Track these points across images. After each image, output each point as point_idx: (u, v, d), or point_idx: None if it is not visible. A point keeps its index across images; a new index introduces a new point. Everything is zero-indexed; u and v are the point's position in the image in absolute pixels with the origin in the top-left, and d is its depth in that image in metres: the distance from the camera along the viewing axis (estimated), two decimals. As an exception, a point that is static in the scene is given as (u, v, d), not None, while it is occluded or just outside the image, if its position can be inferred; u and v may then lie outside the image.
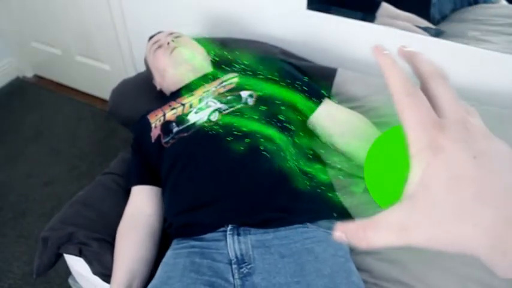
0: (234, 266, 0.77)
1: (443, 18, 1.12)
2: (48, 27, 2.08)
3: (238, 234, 0.81)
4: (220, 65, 1.15)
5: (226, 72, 1.10)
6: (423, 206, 0.24)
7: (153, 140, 1.01)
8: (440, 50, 1.16)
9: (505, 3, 1.03)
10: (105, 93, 2.15)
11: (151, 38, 1.23)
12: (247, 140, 0.88)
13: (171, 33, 1.18)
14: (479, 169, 0.23)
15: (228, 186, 0.86)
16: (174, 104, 1.05)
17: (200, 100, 1.01)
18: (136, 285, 0.86)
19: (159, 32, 1.23)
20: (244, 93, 0.99)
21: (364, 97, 1.13)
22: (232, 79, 1.05)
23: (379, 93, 1.12)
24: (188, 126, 0.96)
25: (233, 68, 1.10)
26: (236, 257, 0.78)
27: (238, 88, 1.01)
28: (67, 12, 1.94)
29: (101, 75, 2.11)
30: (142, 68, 1.78)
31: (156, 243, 0.94)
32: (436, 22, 1.13)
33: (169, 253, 0.86)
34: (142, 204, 0.97)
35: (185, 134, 0.95)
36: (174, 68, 1.10)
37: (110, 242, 0.95)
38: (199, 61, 1.13)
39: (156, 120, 1.04)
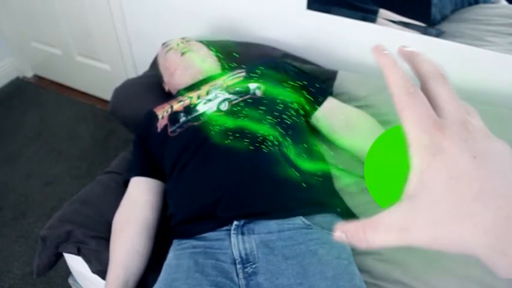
0: (238, 266, 0.77)
1: (444, 18, 1.12)
2: (48, 27, 2.08)
3: (242, 234, 0.81)
4: (227, 67, 1.18)
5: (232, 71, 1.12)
6: (423, 206, 0.24)
7: (159, 130, 1.02)
8: (440, 50, 1.16)
9: (505, 3, 1.03)
10: (105, 93, 2.16)
11: (163, 44, 1.28)
12: (252, 135, 0.89)
13: (182, 38, 1.25)
14: (479, 169, 0.23)
15: (233, 177, 0.87)
16: (181, 98, 1.07)
17: (208, 92, 1.03)
18: (132, 279, 0.87)
19: (170, 40, 1.28)
20: (252, 85, 1.01)
21: (364, 97, 1.13)
22: (240, 74, 1.07)
23: (379, 94, 1.12)
24: (197, 116, 0.97)
25: (239, 68, 1.12)
26: (241, 257, 0.78)
27: (246, 81, 1.03)
28: (67, 12, 1.94)
29: (101, 75, 2.11)
30: (142, 68, 1.78)
31: (152, 236, 0.95)
32: (436, 22, 1.13)
33: (171, 255, 0.86)
34: (139, 196, 0.98)
35: (194, 123, 0.96)
36: (184, 70, 1.14)
37: (108, 240, 0.95)
38: (208, 65, 1.16)
39: (163, 112, 1.06)
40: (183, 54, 1.15)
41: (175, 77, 1.15)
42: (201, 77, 1.13)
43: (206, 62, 1.16)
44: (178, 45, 1.18)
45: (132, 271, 0.87)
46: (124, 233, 0.91)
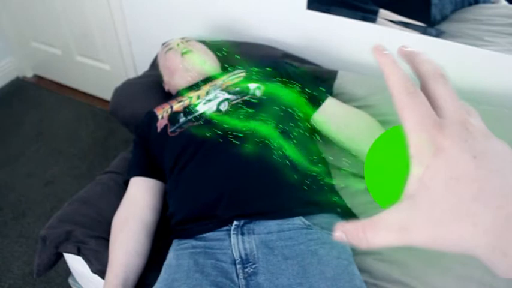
0: (238, 266, 0.77)
1: (444, 18, 1.12)
2: (48, 27, 2.08)
3: (242, 234, 0.81)
4: (227, 67, 1.18)
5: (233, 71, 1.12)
6: (423, 205, 0.24)
7: (159, 130, 1.02)
8: (440, 50, 1.16)
9: (505, 3, 1.03)
10: (105, 93, 2.16)
11: (164, 43, 1.27)
12: (252, 135, 0.89)
13: (182, 38, 1.25)
14: (479, 169, 0.23)
15: (233, 177, 0.87)
16: (181, 98, 1.07)
17: (208, 92, 1.03)
18: (131, 278, 0.87)
19: (171, 39, 1.27)
20: (252, 85, 1.01)
21: (364, 97, 1.14)
22: (239, 74, 1.08)
23: (379, 94, 1.12)
24: (197, 116, 0.98)
25: (239, 68, 1.12)
26: (241, 257, 0.78)
27: (246, 81, 1.03)
28: (67, 12, 1.94)
29: (101, 75, 2.11)
30: (142, 68, 1.78)
31: (151, 235, 0.95)
32: (436, 22, 1.13)
33: (171, 255, 0.87)
34: (138, 195, 0.98)
35: (194, 124, 0.96)
36: (184, 71, 1.14)
37: (108, 240, 0.95)
38: (208, 66, 1.16)
39: (163, 112, 1.06)
40: (183, 54, 1.15)
41: (175, 77, 1.15)
42: (201, 78, 1.13)
43: (206, 63, 1.16)
44: (178, 45, 1.18)
45: (132, 270, 0.87)
46: (123, 232, 0.91)
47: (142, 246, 0.91)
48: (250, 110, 0.94)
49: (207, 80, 1.11)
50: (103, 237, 0.96)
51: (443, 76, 0.27)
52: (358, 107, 1.11)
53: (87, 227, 0.98)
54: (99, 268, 0.93)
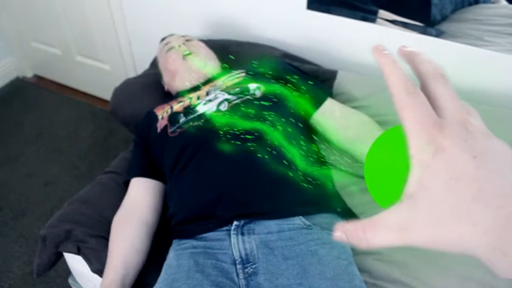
0: (238, 266, 0.78)
1: (444, 18, 1.12)
2: (48, 27, 2.08)
3: (242, 234, 0.81)
4: (228, 67, 1.18)
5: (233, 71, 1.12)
6: (423, 206, 0.24)
7: (158, 130, 1.02)
8: (440, 50, 1.16)
9: (505, 3, 1.03)
10: (105, 93, 2.16)
11: (163, 39, 1.26)
12: (251, 135, 0.89)
13: (183, 36, 1.23)
14: (479, 169, 0.23)
15: (233, 177, 0.87)
16: (181, 98, 1.07)
17: (208, 93, 1.03)
18: (131, 274, 0.87)
19: (171, 35, 1.25)
20: (252, 86, 1.01)
21: (364, 97, 1.13)
22: (239, 74, 1.07)
23: (379, 94, 1.12)
24: (197, 116, 0.98)
25: (240, 68, 1.12)
26: (241, 257, 0.78)
27: (246, 81, 1.03)
28: (67, 12, 1.94)
29: (101, 75, 2.11)
30: (142, 68, 1.78)
31: (151, 235, 0.95)
32: (436, 22, 1.13)
33: (171, 255, 0.87)
34: (139, 196, 0.98)
35: (194, 124, 0.96)
36: (185, 74, 1.13)
37: (108, 239, 0.95)
38: (209, 68, 1.16)
39: (163, 112, 1.06)
40: (184, 57, 1.13)
41: (176, 79, 1.14)
42: (201, 80, 1.13)
43: (207, 65, 1.15)
44: (180, 46, 1.16)
45: (131, 267, 0.87)
46: (124, 230, 0.92)
47: (142, 243, 0.91)
48: (249, 111, 0.94)
49: (208, 80, 1.11)
50: (103, 236, 0.97)
51: (443, 76, 0.27)
52: (357, 107, 1.10)
53: (87, 226, 0.98)
54: (99, 267, 0.93)
